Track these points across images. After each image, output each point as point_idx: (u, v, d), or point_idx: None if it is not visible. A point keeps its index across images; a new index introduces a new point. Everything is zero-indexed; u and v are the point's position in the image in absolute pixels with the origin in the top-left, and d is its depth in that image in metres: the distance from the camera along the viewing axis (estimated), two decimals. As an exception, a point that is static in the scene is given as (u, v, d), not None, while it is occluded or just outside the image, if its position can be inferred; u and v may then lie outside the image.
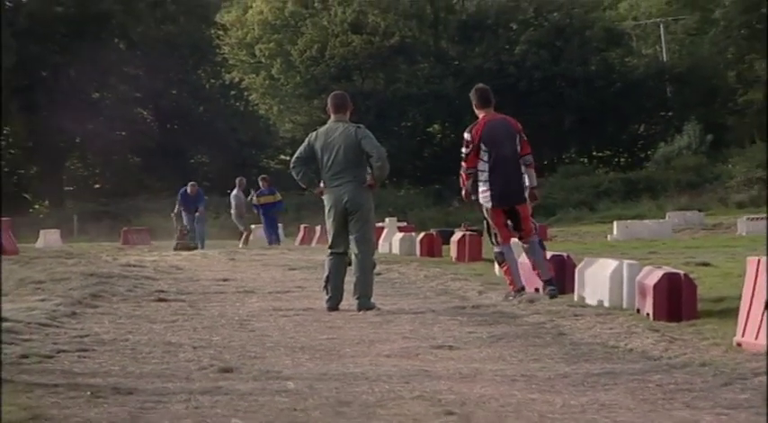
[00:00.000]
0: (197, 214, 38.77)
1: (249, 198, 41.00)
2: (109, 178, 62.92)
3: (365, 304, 16.32)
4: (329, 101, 17.22)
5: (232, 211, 41.78)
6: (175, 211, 39.94)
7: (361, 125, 17.04)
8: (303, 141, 17.29)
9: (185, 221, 38.97)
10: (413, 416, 8.30)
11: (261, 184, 40.95)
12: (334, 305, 16.43)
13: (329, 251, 16.91)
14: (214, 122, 65.71)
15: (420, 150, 72.20)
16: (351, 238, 16.62)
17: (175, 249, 36.10)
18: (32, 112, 61.74)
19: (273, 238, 40.64)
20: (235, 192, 41.55)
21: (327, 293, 16.64)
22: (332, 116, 16.88)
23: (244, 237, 41.29)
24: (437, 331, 13.69)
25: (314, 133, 17.01)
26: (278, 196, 40.64)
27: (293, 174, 17.03)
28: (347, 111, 16.96)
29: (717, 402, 9.21)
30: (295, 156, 17.10)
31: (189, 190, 39.43)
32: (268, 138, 72.13)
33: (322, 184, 16.77)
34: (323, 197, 16.81)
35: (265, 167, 61.52)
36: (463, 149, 16.44)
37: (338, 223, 16.69)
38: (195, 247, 36.92)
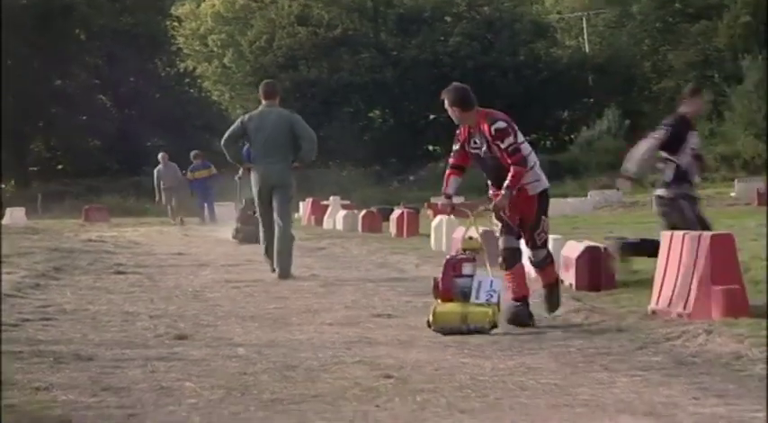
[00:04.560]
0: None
1: (184, 172, 38.33)
2: (71, 160, 62.49)
3: (286, 274, 16.67)
4: (261, 88, 17.77)
5: (159, 185, 38.05)
6: (240, 173, 24.65)
7: (294, 111, 17.54)
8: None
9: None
10: (354, 379, 8.32)
11: (195, 159, 37.94)
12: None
13: (262, 227, 17.31)
14: (170, 108, 65.32)
15: (362, 134, 71.99)
16: (274, 212, 16.90)
17: (236, 238, 25.49)
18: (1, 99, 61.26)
19: (208, 215, 37.09)
20: (161, 167, 38.24)
21: (269, 260, 17.12)
22: (263, 102, 17.26)
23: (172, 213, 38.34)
24: (377, 301, 13.73)
25: (247, 115, 17.61)
26: (213, 170, 37.43)
27: (224, 150, 17.58)
28: (276, 98, 17.37)
29: (632, 365, 9.29)
30: (227, 135, 17.51)
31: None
32: (220, 122, 71.68)
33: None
34: (251, 173, 17.28)
35: (218, 150, 61.16)
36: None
37: (265, 199, 17.06)
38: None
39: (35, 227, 35.09)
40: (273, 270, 16.82)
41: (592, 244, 15.17)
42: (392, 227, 28.49)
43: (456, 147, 11.72)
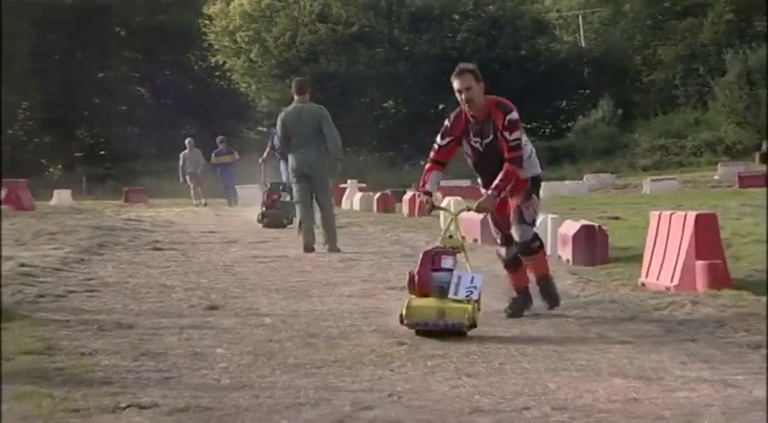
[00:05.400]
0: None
1: (208, 158, 37.01)
2: (112, 146, 62.35)
3: (333, 247, 16.96)
4: (293, 85, 17.96)
5: (184, 168, 37.18)
6: (264, 156, 24.91)
7: (323, 107, 17.72)
8: (277, 116, 18.25)
9: (284, 174, 22.31)
10: (370, 346, 8.33)
11: (219, 144, 36.68)
12: (308, 244, 16.89)
13: (299, 206, 17.51)
14: (201, 99, 65.22)
15: (376, 123, 71.99)
16: (314, 197, 17.22)
17: (261, 222, 23.03)
18: (47, 89, 61.22)
19: (231, 197, 36.30)
20: (186, 151, 37.26)
21: (300, 234, 17.34)
22: (296, 97, 17.48)
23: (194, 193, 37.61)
24: (391, 275, 13.69)
25: (282, 113, 17.69)
26: (235, 155, 36.27)
27: (281, 148, 18.68)
28: (306, 93, 17.57)
29: (624, 333, 9.28)
30: (280, 139, 18.06)
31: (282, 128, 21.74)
32: (248, 111, 71.84)
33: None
34: (288, 160, 17.63)
35: (246, 137, 61.07)
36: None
37: (302, 183, 17.20)
38: (289, 223, 22.36)
39: (80, 207, 35.11)
40: (307, 245, 16.94)
41: (587, 223, 15.15)
42: (404, 207, 28.52)
43: (442, 141, 9.74)
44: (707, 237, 11.54)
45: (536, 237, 10.02)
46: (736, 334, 9.00)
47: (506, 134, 9.48)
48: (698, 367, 7.70)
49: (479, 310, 8.98)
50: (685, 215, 11.87)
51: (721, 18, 69.18)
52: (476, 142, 9.71)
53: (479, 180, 10.14)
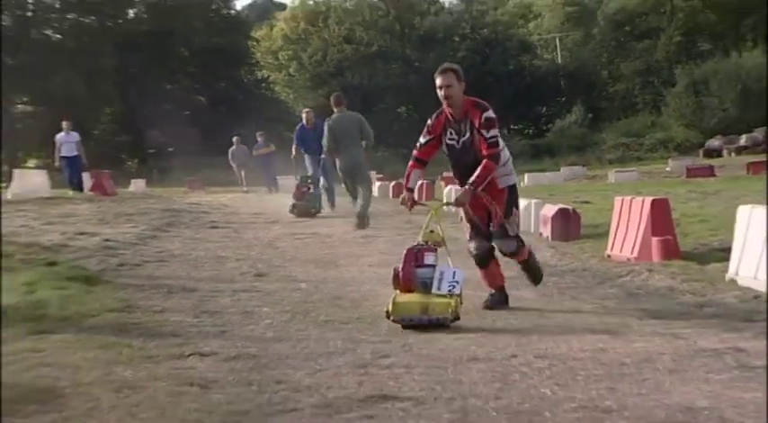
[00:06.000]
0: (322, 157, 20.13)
1: (251, 153, 35.92)
2: (177, 144, 62.46)
3: (364, 214, 17.32)
4: (332, 99, 18.18)
5: (233, 162, 37.07)
6: (294, 154, 21.60)
7: (360, 115, 18.26)
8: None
9: (310, 169, 21.13)
10: (386, 306, 8.32)
11: (258, 138, 35.62)
12: (361, 226, 17.25)
13: (348, 192, 18.20)
14: (249, 105, 65.29)
15: (392, 125, 71.91)
16: (357, 186, 17.67)
17: (292, 212, 20.58)
18: (126, 98, 61.39)
19: (271, 184, 34.63)
20: (234, 148, 36.89)
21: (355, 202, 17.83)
22: (335, 108, 17.81)
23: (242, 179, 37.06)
24: (403, 249, 13.69)
25: (329, 121, 17.81)
26: (271, 147, 34.87)
27: (330, 151, 17.94)
28: (343, 105, 17.92)
29: (593, 295, 9.28)
30: (327, 141, 17.80)
31: (305, 120, 21.76)
32: (287, 116, 71.93)
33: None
34: (337, 158, 17.84)
35: (286, 137, 61.11)
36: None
37: (348, 173, 17.77)
38: (317, 213, 20.61)
39: (151, 194, 35.15)
40: (359, 227, 17.26)
41: (563, 206, 15.15)
42: (415, 194, 28.40)
43: (424, 140, 8.54)
44: (660, 217, 11.54)
45: (519, 241, 8.62)
46: (683, 296, 8.99)
47: (484, 132, 8.19)
48: (652, 323, 7.68)
49: (462, 303, 7.86)
50: (643, 200, 11.86)
51: (671, 40, 69.22)
52: (452, 140, 8.41)
53: (458, 178, 8.73)
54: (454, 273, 7.71)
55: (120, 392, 5.43)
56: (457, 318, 7.47)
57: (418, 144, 8.56)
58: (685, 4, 70.68)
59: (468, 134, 8.31)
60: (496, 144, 8.20)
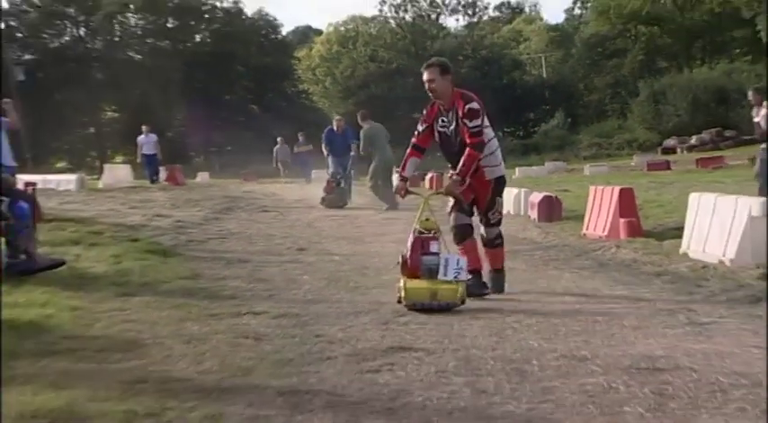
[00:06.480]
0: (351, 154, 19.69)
1: (292, 150, 35.50)
2: (234, 143, 62.66)
3: (392, 209, 17.38)
4: (360, 115, 19.02)
5: (277, 158, 36.67)
6: (325, 154, 20.43)
7: (382, 125, 19.04)
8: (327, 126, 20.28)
9: (332, 167, 19.92)
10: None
11: (299, 137, 34.76)
12: (392, 208, 17.45)
13: (382, 184, 18.52)
14: (292, 112, 65.33)
15: (408, 128, 71.83)
16: (383, 182, 18.39)
17: (322, 204, 18.99)
18: (192, 106, 61.57)
19: (308, 176, 33.12)
20: (278, 147, 36.61)
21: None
22: (363, 122, 18.55)
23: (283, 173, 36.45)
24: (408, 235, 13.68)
25: (365, 131, 18.48)
26: (309, 147, 33.03)
27: (366, 150, 18.66)
28: (370, 117, 18.74)
29: (572, 266, 9.25)
30: (364, 146, 18.54)
31: (335, 126, 20.25)
32: (322, 121, 71.98)
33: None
34: (373, 158, 18.65)
35: (318, 136, 61.32)
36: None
37: (382, 170, 18.61)
38: (344, 205, 18.97)
39: (214, 184, 35.25)
40: (390, 209, 17.46)
41: (548, 193, 15.11)
42: (427, 184, 28.49)
43: (420, 127, 7.57)
44: (626, 202, 11.50)
45: (499, 235, 7.55)
46: (645, 267, 8.95)
47: (466, 121, 7.17)
48: (620, 288, 7.67)
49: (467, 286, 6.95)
50: (612, 188, 11.82)
51: (635, 59, 68.95)
52: (443, 128, 7.41)
53: (449, 164, 7.67)
54: (458, 260, 6.92)
55: (189, 343, 5.45)
56: (463, 302, 6.71)
57: (416, 132, 7.61)
58: (646, 30, 70.32)
59: (454, 123, 7.33)
60: (479, 134, 7.18)
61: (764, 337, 5.62)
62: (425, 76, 7.46)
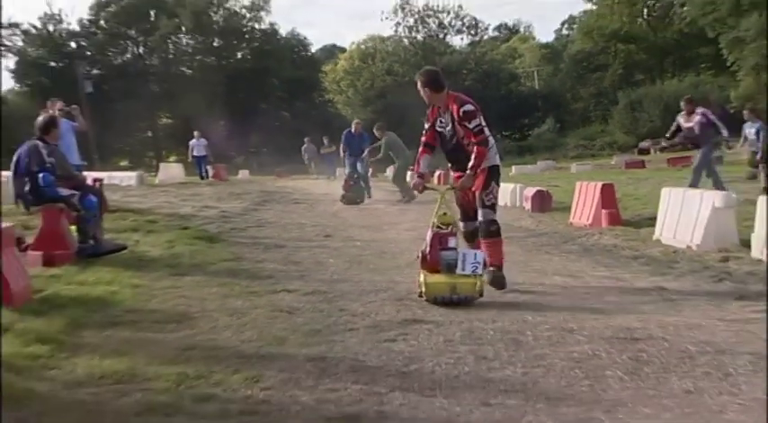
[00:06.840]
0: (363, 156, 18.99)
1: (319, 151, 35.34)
2: (270, 145, 62.65)
3: (408, 201, 17.39)
4: (377, 128, 18.72)
5: (305, 156, 36.64)
6: (341, 154, 20.03)
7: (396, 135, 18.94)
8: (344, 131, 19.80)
9: (348, 166, 19.06)
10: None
11: (324, 141, 34.56)
12: (409, 200, 17.42)
13: (403, 182, 18.66)
14: (319, 119, 65.27)
15: (420, 133, 71.44)
16: (401, 182, 18.59)
17: (341, 201, 17.72)
18: (232, 114, 61.59)
19: (331, 175, 32.58)
20: (305, 146, 36.71)
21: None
22: (381, 132, 18.46)
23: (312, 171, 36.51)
24: (428, 218, 13.65)
25: (386, 140, 18.35)
26: (333, 148, 31.81)
27: (385, 157, 18.88)
28: (385, 128, 18.60)
29: (561, 250, 9.20)
30: (384, 152, 18.55)
31: (353, 129, 19.55)
32: (345, 126, 71.97)
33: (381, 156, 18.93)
34: (397, 160, 18.83)
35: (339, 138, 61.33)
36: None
37: (401, 173, 18.85)
38: (361, 202, 17.69)
39: (252, 180, 35.31)
40: (408, 201, 17.45)
41: (540, 188, 15.05)
42: (436, 180, 28.34)
43: (427, 126, 7.06)
44: (608, 196, 11.42)
45: (495, 221, 6.74)
46: (623, 251, 8.90)
47: (466, 123, 6.59)
48: (602, 270, 7.63)
49: (484, 279, 6.27)
50: (596, 184, 11.74)
51: (615, 72, 68.48)
52: (441, 128, 6.86)
53: (449, 164, 7.25)
54: (475, 255, 6.27)
55: (232, 316, 5.47)
56: (481, 294, 6.03)
57: (424, 130, 7.09)
58: (625, 47, 69.86)
59: (450, 125, 6.78)
60: (482, 131, 6.60)
61: (728, 310, 5.59)
62: (420, 90, 7.04)
